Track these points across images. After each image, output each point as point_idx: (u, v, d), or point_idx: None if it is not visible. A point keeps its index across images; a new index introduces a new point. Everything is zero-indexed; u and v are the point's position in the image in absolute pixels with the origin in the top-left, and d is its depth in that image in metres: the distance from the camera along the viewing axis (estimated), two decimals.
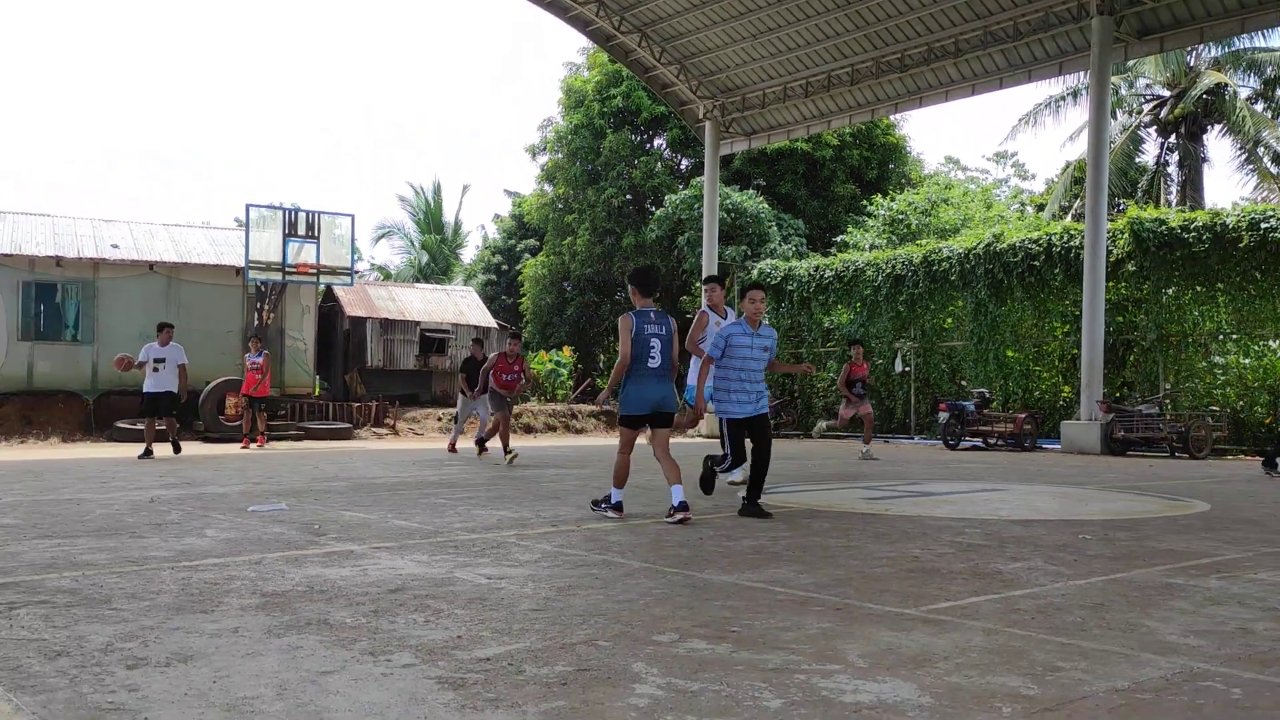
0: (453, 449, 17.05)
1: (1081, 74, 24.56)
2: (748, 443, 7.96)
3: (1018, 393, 21.71)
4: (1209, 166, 34.38)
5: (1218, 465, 15.65)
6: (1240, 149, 32.24)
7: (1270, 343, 18.37)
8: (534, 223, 39.97)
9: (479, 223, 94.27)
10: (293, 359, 23.64)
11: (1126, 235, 19.62)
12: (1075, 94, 32.10)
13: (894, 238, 29.46)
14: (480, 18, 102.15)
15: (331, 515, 7.63)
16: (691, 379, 10.69)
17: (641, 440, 7.86)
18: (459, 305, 29.99)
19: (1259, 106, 32.81)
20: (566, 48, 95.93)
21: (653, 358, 7.43)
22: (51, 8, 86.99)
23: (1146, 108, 34.34)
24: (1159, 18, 19.28)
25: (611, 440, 24.08)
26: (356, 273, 27.14)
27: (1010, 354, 21.87)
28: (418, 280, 43.44)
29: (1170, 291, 19.32)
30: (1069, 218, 31.69)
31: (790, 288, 26.46)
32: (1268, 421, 18.18)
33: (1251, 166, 32.42)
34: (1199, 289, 19.05)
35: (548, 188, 37.64)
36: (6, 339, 21.16)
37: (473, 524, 7.14)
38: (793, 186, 32.95)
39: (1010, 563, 5.61)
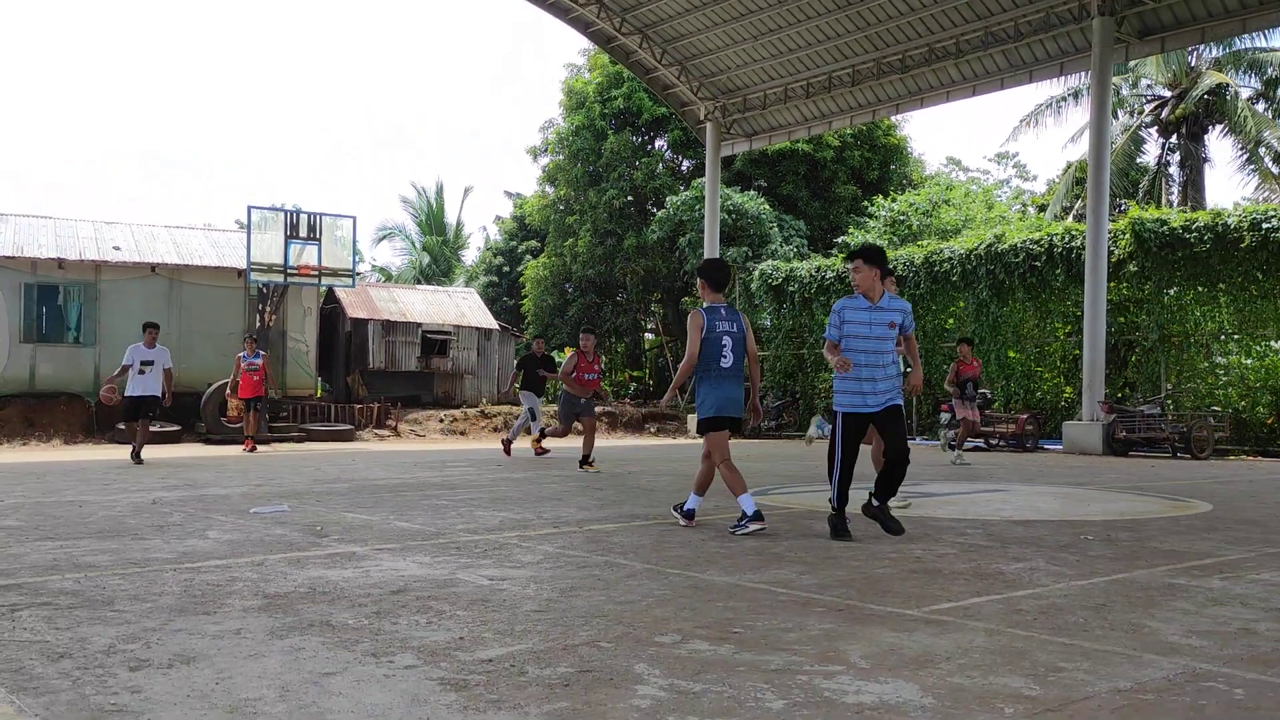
0: (541, 449, 16.13)
1: (1083, 74, 24.56)
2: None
3: (1019, 393, 21.70)
4: (1210, 167, 34.38)
5: (1220, 466, 15.64)
6: (1241, 149, 32.23)
7: (1272, 343, 18.36)
8: (535, 224, 39.99)
9: (480, 224, 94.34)
10: (294, 361, 23.66)
11: (1128, 236, 19.61)
12: (1076, 94, 32.09)
13: (895, 239, 29.45)
14: (480, 18, 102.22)
15: (333, 517, 7.63)
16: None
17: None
18: (460, 307, 30.00)
19: (1260, 107, 32.79)
20: (567, 49, 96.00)
21: (725, 357, 6.99)
22: (51, 8, 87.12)
23: (1148, 108, 34.32)
24: (1160, 18, 19.28)
25: (613, 441, 24.06)
26: (358, 274, 27.15)
27: (1012, 354, 21.87)
28: (419, 282, 43.44)
29: (1172, 292, 19.31)
30: (1070, 218, 31.67)
31: (792, 289, 26.45)
32: (1269, 422, 18.17)
33: (1253, 167, 32.40)
34: (1201, 289, 19.04)
35: (549, 189, 37.66)
36: (9, 341, 21.19)
37: (475, 525, 7.14)
38: (794, 187, 32.95)
39: (1012, 563, 5.61)
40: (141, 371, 14.06)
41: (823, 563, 5.60)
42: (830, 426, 6.74)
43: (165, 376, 14.25)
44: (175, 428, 20.62)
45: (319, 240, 22.63)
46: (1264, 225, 17.92)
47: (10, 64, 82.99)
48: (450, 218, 50.09)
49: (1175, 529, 7.32)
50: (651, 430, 28.12)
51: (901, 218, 30.26)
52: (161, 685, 3.16)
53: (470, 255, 51.22)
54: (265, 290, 22.99)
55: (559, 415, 13.75)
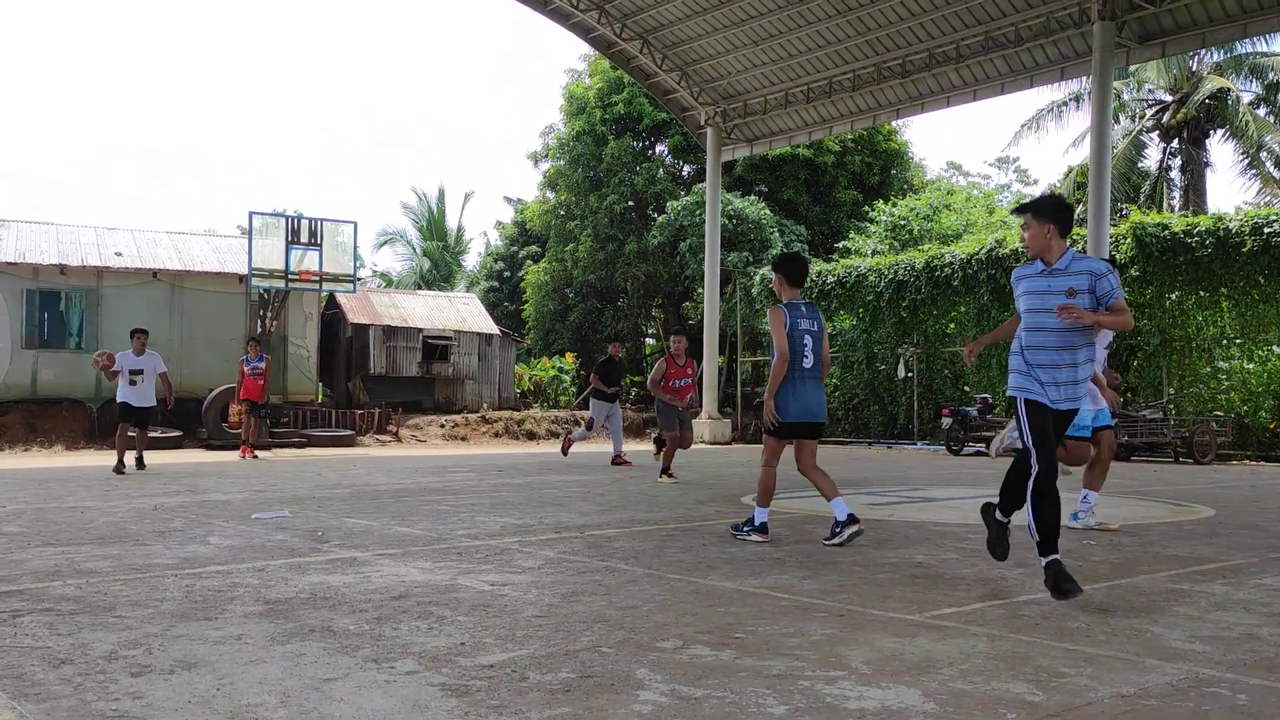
0: (620, 460, 15.30)
1: (1083, 79, 24.57)
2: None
3: None
4: (1212, 171, 34.37)
5: (1222, 470, 15.62)
6: (1243, 154, 32.23)
7: (1274, 347, 18.35)
8: (536, 229, 40.01)
9: (481, 229, 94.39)
10: (296, 366, 23.68)
11: (1129, 240, 19.61)
12: (1078, 99, 32.10)
13: (896, 243, 29.46)
14: (481, 23, 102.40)
15: (334, 522, 7.63)
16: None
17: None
18: (461, 312, 30.01)
19: (1262, 111, 32.79)
20: (568, 53, 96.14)
21: (807, 357, 6.54)
22: (51, 8, 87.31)
23: (1149, 112, 34.34)
24: (1160, 23, 19.29)
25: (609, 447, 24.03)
26: (359, 280, 27.18)
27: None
28: (420, 287, 43.45)
29: (1173, 296, 19.31)
30: (1072, 210, 31.64)
31: None
32: (1272, 426, 18.15)
33: (1254, 171, 32.40)
34: (1202, 294, 19.04)
35: (550, 194, 37.69)
36: (11, 347, 21.21)
37: (476, 531, 7.14)
38: (794, 192, 32.96)
39: (1014, 569, 5.60)
40: (132, 381, 13.18)
41: (824, 568, 5.60)
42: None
43: (163, 382, 13.61)
44: (176, 433, 20.63)
45: (320, 245, 22.65)
46: (1265, 229, 17.92)
47: (11, 64, 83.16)
48: (451, 223, 50.14)
49: (1178, 534, 7.31)
50: (652, 435, 28.10)
51: (902, 222, 30.27)
52: (163, 691, 3.16)
53: (471, 260, 51.27)
54: (267, 296, 23.00)
55: (662, 425, 12.47)
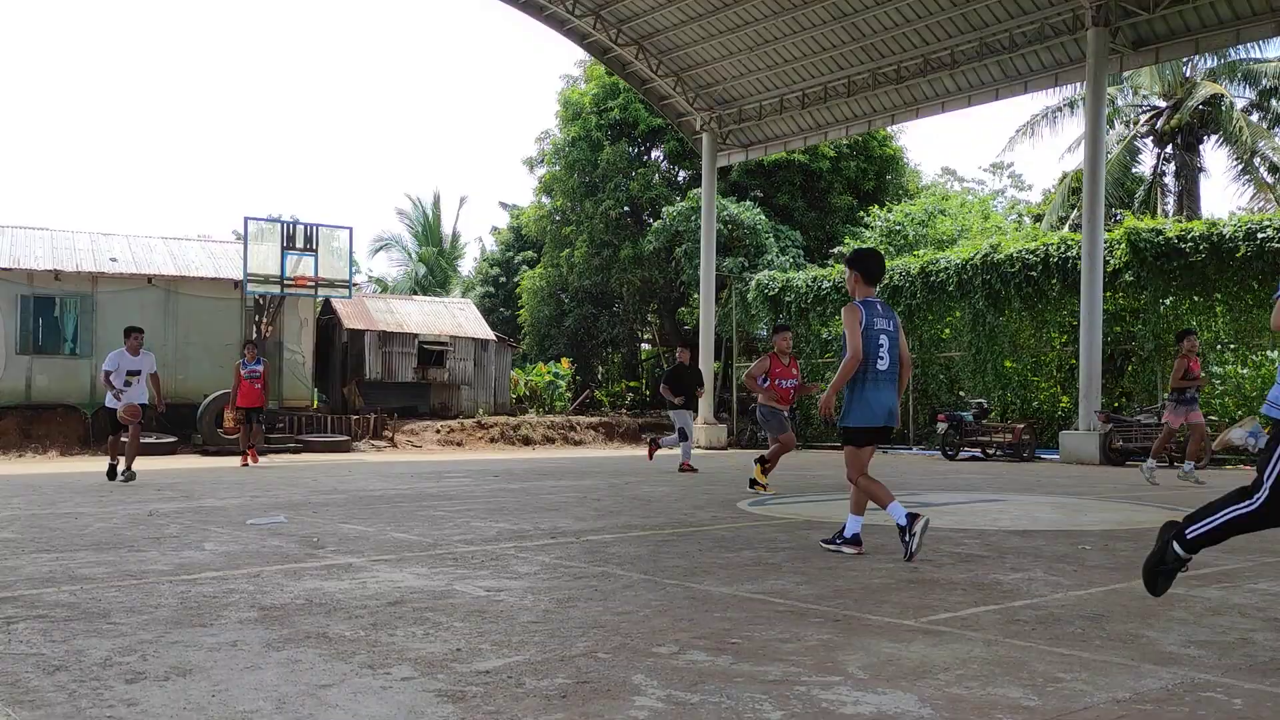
0: (688, 467, 14.66)
1: (1078, 85, 24.65)
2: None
3: (1016, 403, 21.72)
4: (1205, 177, 34.43)
5: (1217, 475, 15.64)
6: (1236, 159, 32.33)
7: (1268, 352, 18.39)
8: (531, 235, 40.02)
9: (477, 235, 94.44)
10: (291, 372, 23.66)
11: (1123, 245, 19.66)
12: (1072, 105, 32.19)
13: (891, 249, 29.50)
14: (476, 28, 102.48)
15: (330, 528, 7.62)
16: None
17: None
18: (457, 317, 30.00)
19: (1255, 117, 32.92)
20: (563, 59, 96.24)
21: (882, 358, 6.27)
22: (45, 12, 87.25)
23: (1143, 118, 34.44)
24: (1154, 29, 19.35)
25: (609, 452, 24.06)
26: (354, 285, 27.17)
27: (1008, 364, 21.90)
28: (415, 293, 43.45)
29: (1168, 301, 19.35)
30: (1066, 228, 31.74)
31: (788, 299, 26.49)
32: (1267, 430, 18.17)
33: (1248, 177, 32.50)
34: (1196, 299, 19.09)
35: (545, 200, 37.71)
36: (5, 353, 21.18)
37: (471, 536, 7.13)
38: (790, 198, 33.01)
39: (1010, 573, 5.61)
40: (128, 382, 12.66)
41: (820, 573, 5.60)
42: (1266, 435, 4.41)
43: (153, 384, 12.96)
44: (171, 439, 20.60)
45: (315, 251, 22.65)
46: (1259, 235, 17.97)
47: (6, 69, 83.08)
48: (446, 228, 50.15)
49: None
50: (648, 440, 28.09)
51: (897, 228, 30.31)
52: (158, 698, 3.15)
53: (466, 266, 51.28)
54: (262, 301, 22.99)
55: (769, 429, 11.50)
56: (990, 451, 19.82)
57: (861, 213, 32.21)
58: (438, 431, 25.34)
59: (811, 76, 24.47)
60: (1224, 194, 65.96)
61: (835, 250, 31.18)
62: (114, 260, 22.98)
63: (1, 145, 75.96)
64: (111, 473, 12.64)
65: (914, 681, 3.36)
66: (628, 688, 3.27)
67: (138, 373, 12.71)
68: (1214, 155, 68.57)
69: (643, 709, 3.05)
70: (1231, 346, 18.81)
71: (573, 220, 35.47)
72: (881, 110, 24.30)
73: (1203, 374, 14.10)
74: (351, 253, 24.19)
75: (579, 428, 27.73)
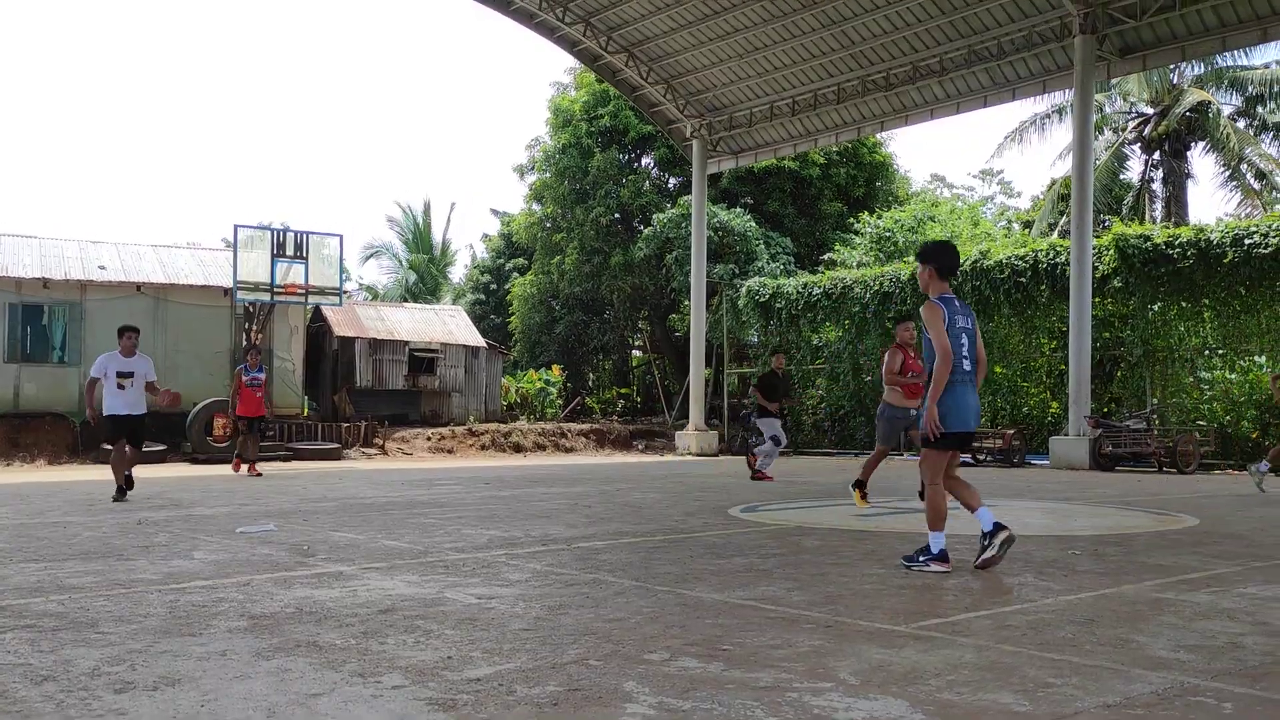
0: (762, 475, 14.23)
1: (1066, 92, 24.77)
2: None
3: (1006, 409, 21.79)
4: (1193, 183, 34.66)
5: (1205, 480, 15.71)
6: (1224, 166, 32.52)
7: (1256, 358, 18.49)
8: (522, 242, 40.04)
9: (467, 242, 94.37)
10: (281, 380, 23.59)
11: (1112, 251, 19.74)
12: (1060, 112, 32.35)
13: (881, 255, 29.58)
14: (466, 35, 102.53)
15: (320, 536, 7.59)
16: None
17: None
18: (448, 325, 29.98)
19: (1241, 124, 33.12)
20: (554, 66, 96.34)
21: (965, 359, 5.93)
22: (33, 17, 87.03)
23: (1131, 125, 34.62)
24: (1140, 36, 19.47)
25: (600, 459, 24.05)
26: (345, 293, 27.14)
27: (998, 370, 21.96)
28: (406, 300, 43.40)
29: (1156, 307, 19.44)
30: (1055, 234, 31.88)
31: (779, 305, 26.53)
32: (1254, 436, 18.26)
33: (1235, 183, 32.69)
34: (1185, 304, 19.18)
35: (536, 207, 37.74)
36: None
37: (462, 543, 7.12)
38: (780, 204, 33.09)
39: (1000, 579, 5.62)
40: (120, 386, 11.15)
41: (811, 579, 5.60)
42: None
43: (152, 393, 11.50)
44: (161, 447, 20.51)
45: (306, 259, 22.61)
46: (1246, 241, 18.06)
47: None
48: (437, 236, 50.12)
49: (1162, 543, 7.34)
50: (639, 447, 28.12)
51: (887, 234, 30.41)
52: (146, 708, 3.13)
53: (457, 273, 51.25)
54: (252, 309, 22.93)
55: (880, 434, 10.46)
56: (980, 457, 19.87)
57: (851, 219, 32.31)
58: (429, 439, 25.30)
59: (801, 83, 24.54)
60: (1211, 200, 66.36)
61: (825, 257, 31.26)
62: (103, 268, 22.90)
63: None
64: (121, 493, 10.95)
65: (905, 687, 3.36)
66: (619, 695, 3.26)
67: (130, 375, 11.19)
68: (1201, 161, 68.88)
69: (635, 716, 3.05)
70: (1220, 352, 18.89)
71: (563, 227, 35.50)
72: (871, 117, 24.38)
73: None
74: (342, 260, 24.16)
75: (570, 435, 27.72)
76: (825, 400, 25.93)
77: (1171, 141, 33.06)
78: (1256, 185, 32.79)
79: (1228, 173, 32.64)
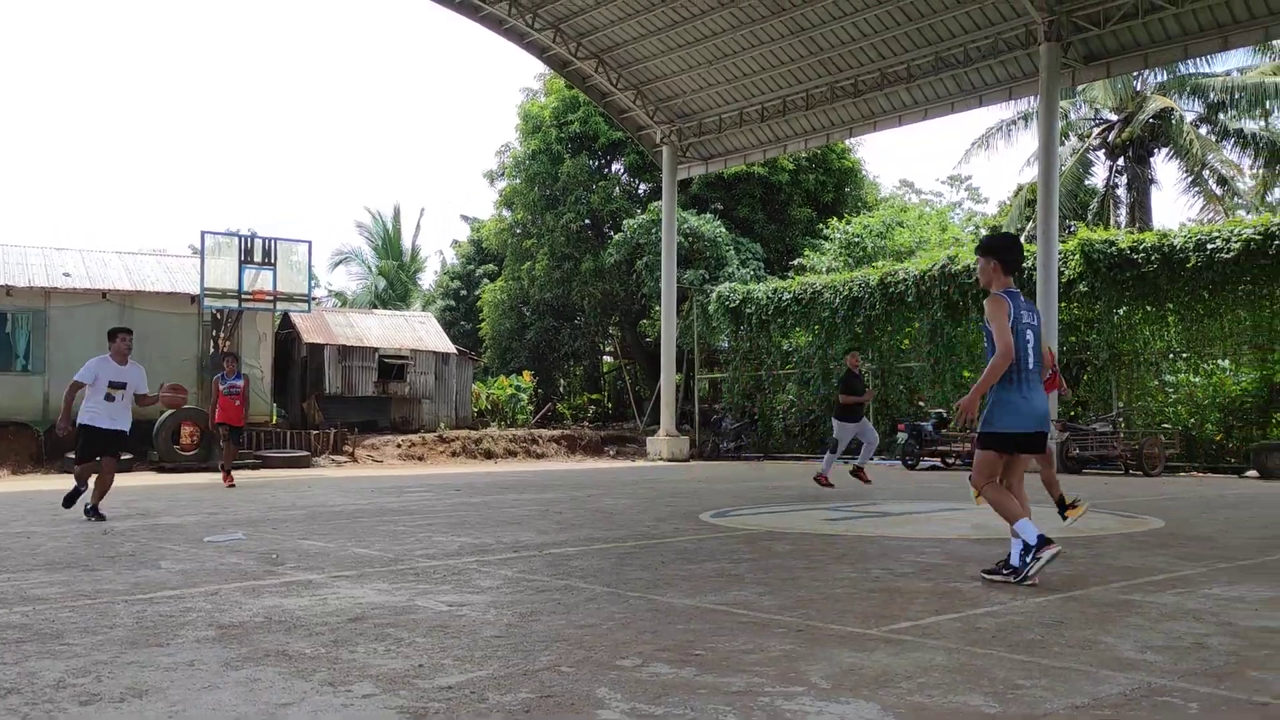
0: (826, 482, 13.84)
1: (1031, 99, 25.03)
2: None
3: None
4: (1157, 189, 35.04)
5: (1171, 482, 15.90)
6: (1187, 172, 32.95)
7: (1220, 361, 18.74)
8: (492, 248, 39.94)
9: (437, 248, 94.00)
10: (250, 387, 23.39)
11: (1077, 256, 19.96)
12: (1026, 118, 32.66)
13: (851, 260, 29.76)
14: (436, 41, 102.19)
15: (289, 544, 7.53)
16: None
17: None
18: (418, 331, 29.85)
19: (1204, 130, 33.57)
20: (524, 72, 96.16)
21: (1029, 355, 5.66)
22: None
23: (1096, 131, 35.03)
24: (1104, 44, 19.72)
25: (572, 465, 24.02)
26: (314, 299, 26.96)
27: (967, 374, 22.14)
28: (375, 306, 43.18)
29: (1121, 311, 19.67)
30: (1022, 239, 32.16)
31: (749, 311, 26.62)
32: (1218, 438, 18.52)
33: (1198, 189, 33.14)
34: (1149, 309, 19.42)
35: (506, 213, 37.67)
36: None
37: (433, 551, 7.08)
38: (750, 210, 33.21)
39: (970, 581, 5.66)
40: (110, 397, 9.78)
41: (782, 584, 5.62)
42: None
43: (142, 402, 10.20)
44: (128, 456, 20.25)
45: (274, 265, 22.46)
46: (1208, 246, 18.32)
47: None
48: (406, 242, 49.91)
49: (1128, 545, 7.42)
50: (611, 453, 28.10)
51: (856, 240, 30.59)
52: (113, 719, 3.10)
53: (427, 279, 51.05)
54: (219, 316, 22.73)
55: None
56: (950, 461, 20.01)
57: (821, 225, 32.48)
58: (398, 446, 25.16)
59: (770, 90, 24.66)
60: (1175, 206, 67.13)
61: (795, 262, 31.40)
62: (67, 275, 22.63)
63: None
64: (80, 502, 9.88)
65: (876, 690, 3.38)
66: (591, 701, 3.26)
67: (123, 386, 9.87)
68: (1165, 168, 70.03)
69: None
70: (1184, 355, 19.14)
71: (533, 233, 35.45)
72: (839, 123, 24.53)
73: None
74: (310, 266, 24.02)
75: (541, 441, 27.66)
76: (796, 405, 26.03)
77: (1135, 148, 33.48)
78: (1219, 191, 33.27)
79: (1190, 179, 33.08)
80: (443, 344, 29.62)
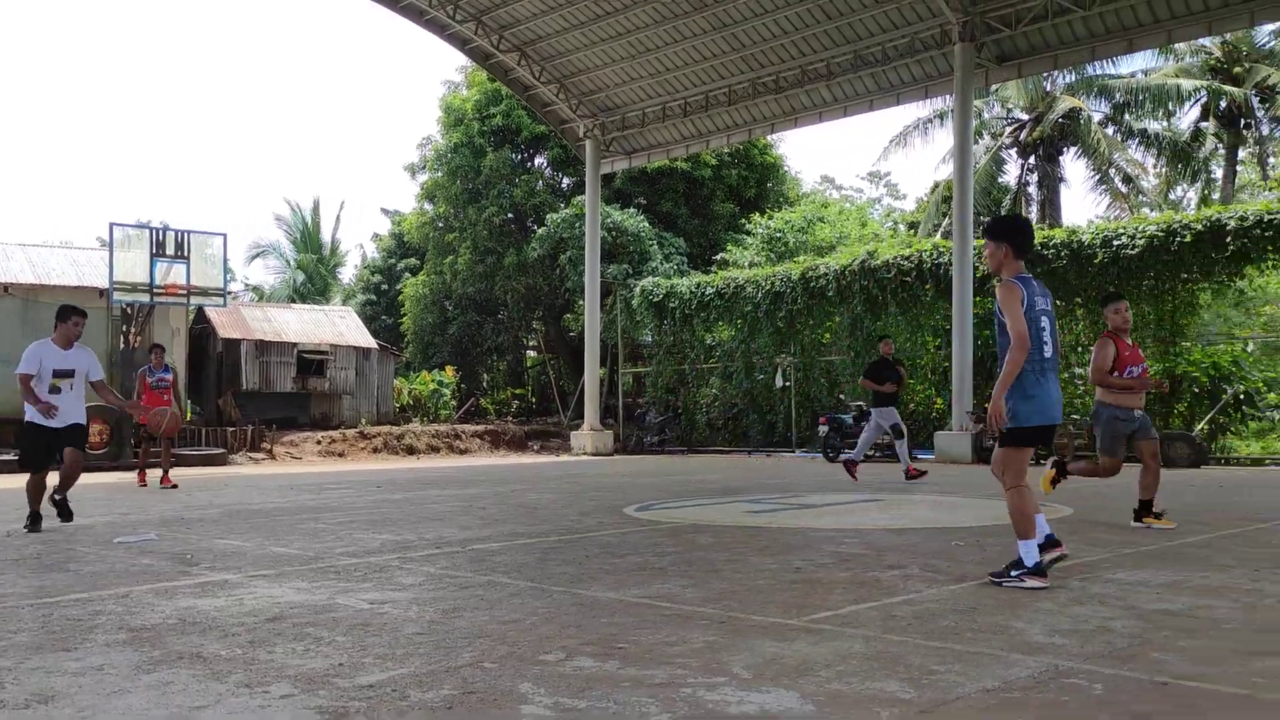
0: (916, 473, 13.46)
1: (947, 97, 25.52)
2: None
3: None
4: (1066, 186, 36.16)
5: None
6: (1094, 170, 33.97)
7: None
8: (414, 242, 39.49)
9: (357, 242, 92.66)
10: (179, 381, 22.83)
11: None
12: (942, 117, 33.33)
13: (773, 255, 30.05)
14: (356, 32, 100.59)
15: (204, 544, 7.37)
16: None
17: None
18: (338, 326, 29.40)
19: (1110, 130, 34.63)
20: (445, 64, 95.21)
21: (1046, 344, 5.38)
22: None
23: (1008, 130, 35.91)
24: (1016, 45, 20.20)
25: (495, 460, 23.88)
26: (230, 293, 26.36)
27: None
28: (294, 301, 42.40)
29: None
30: (939, 235, 32.85)
31: (672, 305, 26.73)
32: None
33: (1105, 187, 34.21)
34: (1058, 303, 19.96)
35: (428, 206, 37.26)
36: None
37: (354, 548, 6.99)
38: (673, 205, 33.34)
39: (887, 571, 5.77)
40: (55, 389, 8.78)
41: (705, 576, 5.66)
42: None
43: (103, 393, 9.58)
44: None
45: (188, 258, 21.89)
46: (1115, 242, 18.91)
47: None
48: (326, 235, 49.10)
49: None
50: (535, 448, 28.01)
51: (778, 235, 30.90)
52: None
53: (347, 273, 50.30)
54: (130, 310, 22.10)
55: (1101, 443, 8.52)
56: (870, 453, 20.32)
57: (743, 220, 32.75)
58: (318, 442, 24.75)
59: (693, 85, 24.76)
60: (1083, 203, 69.43)
61: (718, 257, 31.61)
62: None
63: None
64: (36, 521, 8.55)
65: (796, 679, 3.43)
66: (514, 697, 3.26)
67: (70, 374, 8.90)
68: (1074, 166, 71.97)
69: (530, 717, 3.04)
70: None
71: (456, 227, 35.13)
72: (761, 119, 24.75)
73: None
74: (226, 260, 23.47)
75: (464, 436, 27.45)
76: (719, 399, 26.22)
77: (1046, 146, 34.41)
78: (1124, 189, 34.38)
79: (1098, 177, 34.12)
80: (363, 339, 29.21)
